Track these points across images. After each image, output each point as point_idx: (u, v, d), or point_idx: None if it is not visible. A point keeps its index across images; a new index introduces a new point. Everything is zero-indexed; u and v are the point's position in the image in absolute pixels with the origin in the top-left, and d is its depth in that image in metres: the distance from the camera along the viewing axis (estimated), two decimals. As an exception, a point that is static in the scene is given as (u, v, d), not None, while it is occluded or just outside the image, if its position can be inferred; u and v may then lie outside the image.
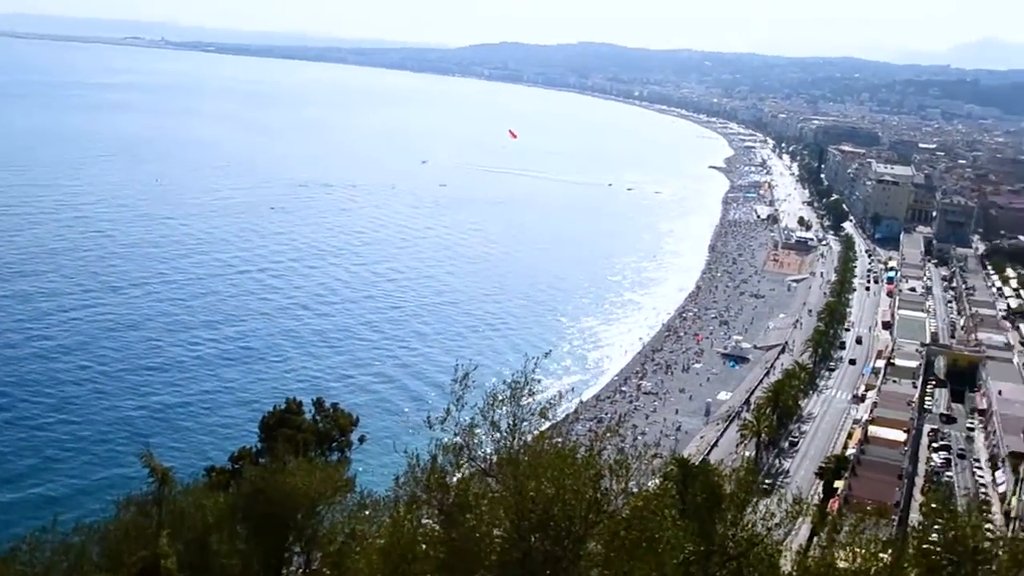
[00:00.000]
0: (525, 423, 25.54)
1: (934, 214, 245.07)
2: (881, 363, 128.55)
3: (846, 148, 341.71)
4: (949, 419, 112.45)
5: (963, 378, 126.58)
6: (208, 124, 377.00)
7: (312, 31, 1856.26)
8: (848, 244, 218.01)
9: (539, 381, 26.55)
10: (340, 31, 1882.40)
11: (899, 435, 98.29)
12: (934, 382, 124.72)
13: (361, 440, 53.10)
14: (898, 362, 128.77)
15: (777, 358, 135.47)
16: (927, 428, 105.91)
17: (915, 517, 73.38)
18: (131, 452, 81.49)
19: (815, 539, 35.65)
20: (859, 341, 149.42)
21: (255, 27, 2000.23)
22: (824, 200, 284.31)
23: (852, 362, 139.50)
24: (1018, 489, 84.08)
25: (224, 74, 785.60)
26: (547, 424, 26.79)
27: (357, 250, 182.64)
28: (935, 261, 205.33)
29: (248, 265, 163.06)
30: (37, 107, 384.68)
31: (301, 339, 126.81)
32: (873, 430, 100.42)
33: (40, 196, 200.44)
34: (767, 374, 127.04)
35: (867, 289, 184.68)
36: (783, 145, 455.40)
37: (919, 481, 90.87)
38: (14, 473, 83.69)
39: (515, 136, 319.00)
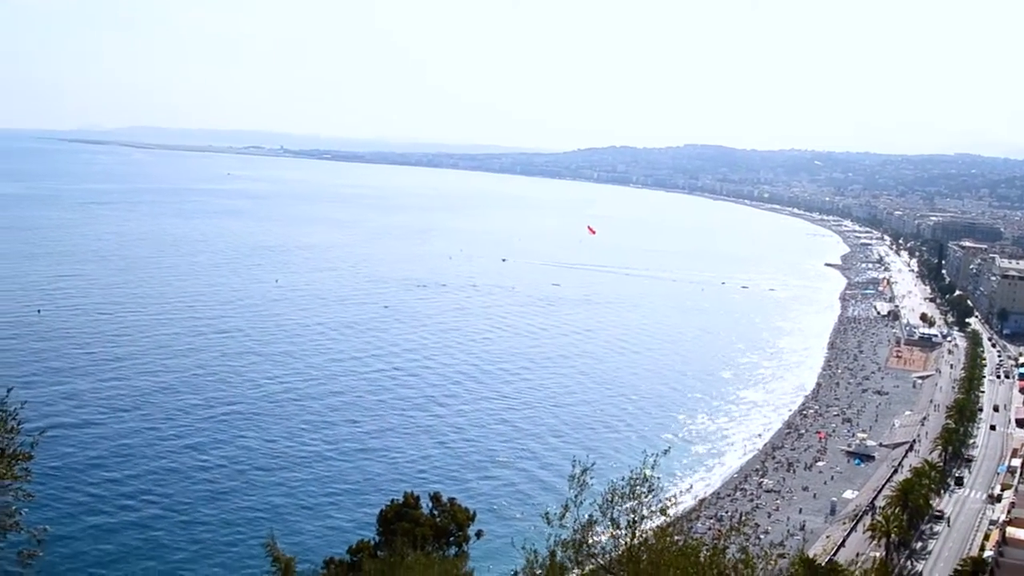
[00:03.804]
0: (645, 520, 24.79)
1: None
2: (1017, 462, 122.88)
3: (967, 244, 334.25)
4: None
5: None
6: (322, 229, 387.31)
7: (423, 138, 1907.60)
8: (975, 340, 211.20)
9: (658, 478, 25.85)
10: (450, 138, 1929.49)
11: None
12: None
13: (479, 535, 52.25)
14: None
15: (904, 456, 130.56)
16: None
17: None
18: (252, 539, 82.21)
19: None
20: (993, 428, 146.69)
21: (368, 135, 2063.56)
22: (947, 296, 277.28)
23: (993, 427, 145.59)
24: None
25: (338, 181, 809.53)
26: (666, 521, 25.69)
27: (473, 348, 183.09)
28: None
29: (368, 362, 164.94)
30: (169, 214, 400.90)
31: (418, 434, 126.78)
32: (1012, 531, 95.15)
33: (169, 298, 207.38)
34: (895, 472, 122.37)
35: (998, 379, 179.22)
36: (901, 242, 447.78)
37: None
38: (135, 554, 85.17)
39: (594, 232, 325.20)
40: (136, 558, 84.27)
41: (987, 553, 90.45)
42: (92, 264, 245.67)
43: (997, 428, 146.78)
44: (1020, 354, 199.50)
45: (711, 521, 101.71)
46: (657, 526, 25.40)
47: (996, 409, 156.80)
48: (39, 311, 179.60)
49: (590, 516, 25.25)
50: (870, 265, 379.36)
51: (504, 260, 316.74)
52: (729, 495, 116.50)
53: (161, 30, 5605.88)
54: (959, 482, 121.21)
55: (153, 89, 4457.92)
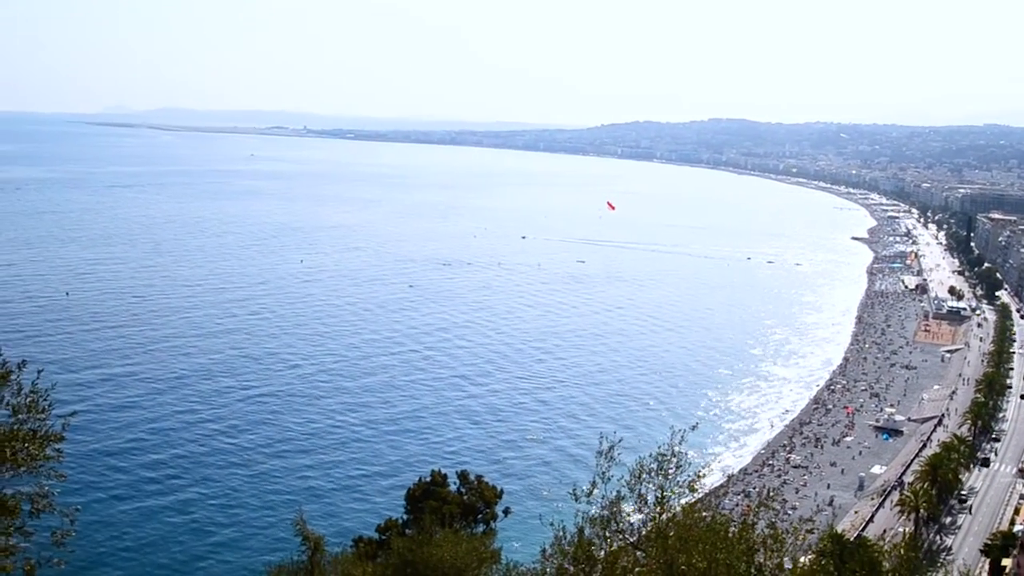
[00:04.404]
0: (673, 496, 24.76)
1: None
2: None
3: (996, 216, 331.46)
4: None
5: None
6: (346, 208, 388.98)
7: (446, 116, 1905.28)
8: (1004, 313, 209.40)
9: (686, 454, 25.80)
10: (473, 115, 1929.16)
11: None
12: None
13: (506, 512, 52.55)
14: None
15: (933, 430, 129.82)
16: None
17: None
18: (286, 519, 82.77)
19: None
20: (1022, 397, 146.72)
21: (391, 114, 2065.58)
22: (975, 269, 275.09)
23: (1023, 396, 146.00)
24: None
25: (361, 160, 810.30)
26: (694, 498, 25.65)
27: (502, 326, 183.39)
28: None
29: (400, 341, 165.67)
30: (195, 196, 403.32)
31: (448, 413, 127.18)
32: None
33: (198, 280, 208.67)
34: (923, 447, 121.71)
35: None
36: (928, 214, 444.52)
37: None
38: (171, 535, 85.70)
39: (613, 208, 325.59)
40: (170, 542, 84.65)
41: (1017, 527, 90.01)
42: (120, 246, 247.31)
43: None
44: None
45: (739, 497, 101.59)
46: (685, 502, 25.39)
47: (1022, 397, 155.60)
48: (67, 293, 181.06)
49: (618, 492, 25.24)
50: (897, 238, 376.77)
51: (524, 237, 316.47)
52: (757, 471, 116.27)
53: (187, 11, 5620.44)
54: (985, 463, 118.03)
55: (180, 71, 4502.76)
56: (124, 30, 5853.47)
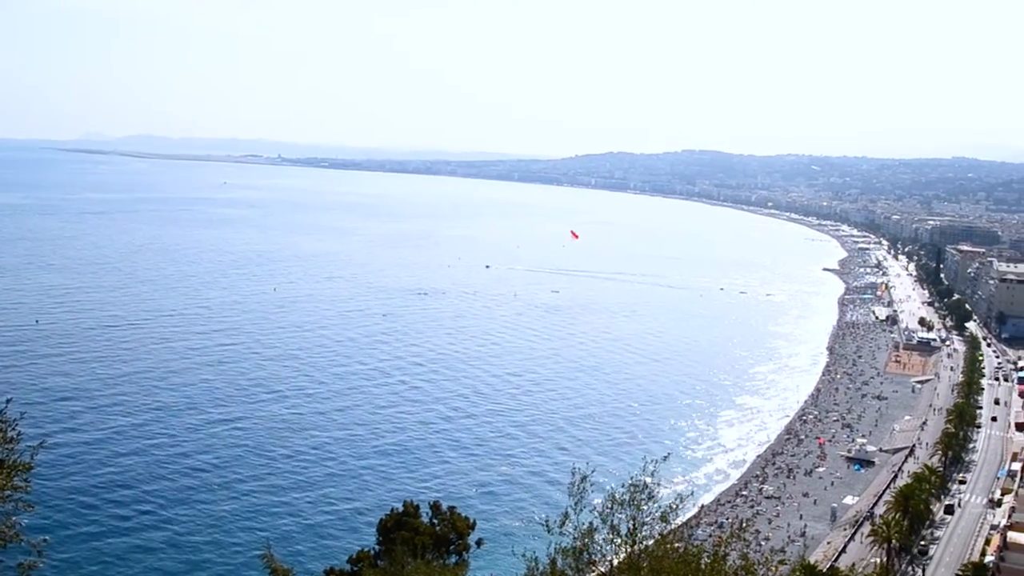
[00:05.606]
0: (645, 527, 24.79)
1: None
2: (1017, 466, 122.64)
3: (964, 248, 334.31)
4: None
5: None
6: (321, 237, 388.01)
7: (421, 146, 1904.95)
8: (973, 344, 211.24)
9: (659, 484, 25.84)
10: (448, 145, 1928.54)
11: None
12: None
13: (479, 543, 52.23)
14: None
15: (905, 461, 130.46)
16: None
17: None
18: (252, 549, 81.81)
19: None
20: (994, 419, 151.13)
21: (367, 143, 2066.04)
22: (945, 300, 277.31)
23: (994, 419, 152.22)
24: None
25: (336, 189, 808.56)
26: (667, 528, 25.69)
27: (478, 354, 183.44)
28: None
29: (382, 369, 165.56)
30: (168, 223, 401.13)
31: (428, 441, 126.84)
32: (1013, 536, 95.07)
33: (176, 309, 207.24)
34: (895, 478, 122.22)
35: (996, 382, 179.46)
36: (898, 246, 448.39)
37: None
38: (148, 573, 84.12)
39: (577, 236, 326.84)
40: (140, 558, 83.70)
41: (988, 558, 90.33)
42: (93, 275, 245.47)
43: (998, 419, 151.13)
44: (1019, 358, 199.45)
45: (712, 528, 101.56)
46: (657, 533, 25.40)
47: (997, 403, 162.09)
48: (36, 320, 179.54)
49: (590, 523, 25.23)
50: (868, 270, 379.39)
51: (488, 267, 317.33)
52: (730, 501, 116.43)
53: (160, 39, 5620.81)
54: (949, 510, 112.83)
55: (154, 99, 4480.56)
56: (99, 57, 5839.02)
